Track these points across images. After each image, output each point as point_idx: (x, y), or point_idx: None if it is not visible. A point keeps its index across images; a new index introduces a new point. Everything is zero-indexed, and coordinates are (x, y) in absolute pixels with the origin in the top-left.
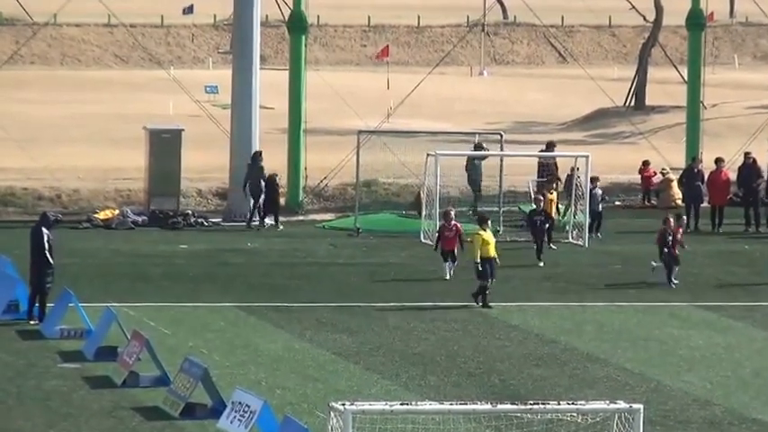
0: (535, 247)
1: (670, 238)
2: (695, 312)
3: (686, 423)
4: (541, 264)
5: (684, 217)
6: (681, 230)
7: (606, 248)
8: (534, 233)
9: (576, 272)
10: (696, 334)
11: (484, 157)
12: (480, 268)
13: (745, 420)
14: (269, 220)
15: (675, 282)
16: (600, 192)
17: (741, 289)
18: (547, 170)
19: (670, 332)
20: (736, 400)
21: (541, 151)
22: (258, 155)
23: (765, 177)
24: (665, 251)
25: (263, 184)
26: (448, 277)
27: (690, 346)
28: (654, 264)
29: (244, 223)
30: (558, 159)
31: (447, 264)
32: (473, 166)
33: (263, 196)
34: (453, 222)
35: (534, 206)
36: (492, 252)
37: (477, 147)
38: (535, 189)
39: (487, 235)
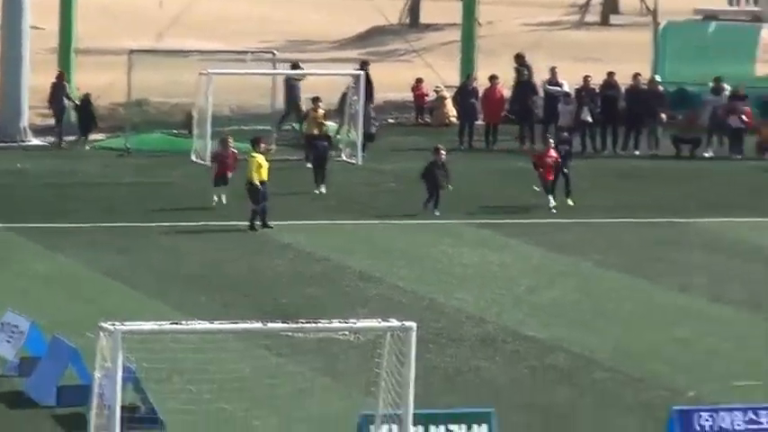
0: (314, 171)
1: (440, 171)
2: (469, 230)
3: (459, 341)
4: (321, 190)
5: (551, 139)
6: (552, 151)
7: (379, 167)
8: (317, 157)
9: (349, 190)
10: (470, 252)
11: (301, 77)
12: (254, 191)
13: (519, 337)
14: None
15: (553, 210)
16: (372, 113)
17: (516, 207)
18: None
19: (444, 250)
20: (509, 317)
21: (356, 70)
22: (60, 75)
23: (541, 94)
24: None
25: (66, 102)
26: (225, 202)
27: (463, 264)
28: (536, 188)
29: (15, 144)
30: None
31: (219, 189)
32: (291, 87)
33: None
34: (231, 149)
35: (316, 129)
36: (264, 175)
37: (294, 66)
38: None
39: (261, 158)
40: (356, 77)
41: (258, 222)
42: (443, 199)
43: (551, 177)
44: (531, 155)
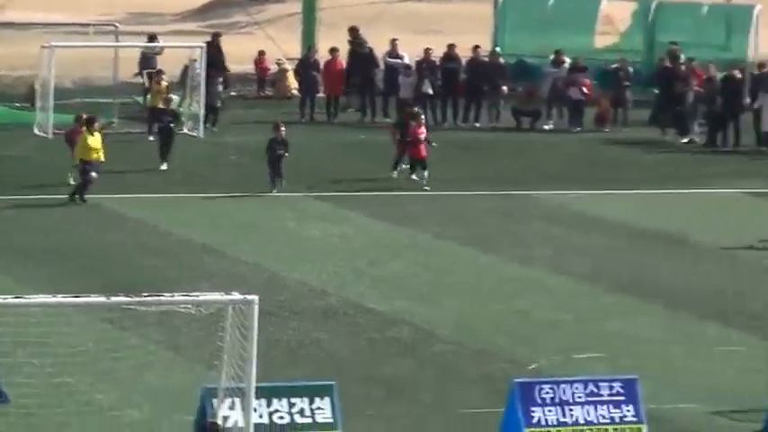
0: (159, 147)
1: (279, 150)
2: (311, 204)
3: (301, 314)
4: (163, 168)
5: (423, 115)
6: (423, 127)
7: (221, 140)
8: (162, 133)
9: (191, 163)
10: (312, 225)
11: (159, 50)
12: (83, 168)
13: (360, 310)
14: None
15: (426, 187)
16: (220, 87)
17: (358, 180)
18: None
19: (286, 223)
20: (351, 289)
21: (207, 42)
22: None
23: (382, 67)
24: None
25: None
26: (72, 182)
27: (305, 237)
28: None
29: None
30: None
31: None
32: (148, 59)
33: None
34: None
35: (161, 103)
36: (94, 155)
37: (151, 38)
38: (155, 80)
39: (93, 139)
40: (200, 50)
41: (77, 196)
42: (284, 172)
43: (424, 154)
44: (392, 131)
